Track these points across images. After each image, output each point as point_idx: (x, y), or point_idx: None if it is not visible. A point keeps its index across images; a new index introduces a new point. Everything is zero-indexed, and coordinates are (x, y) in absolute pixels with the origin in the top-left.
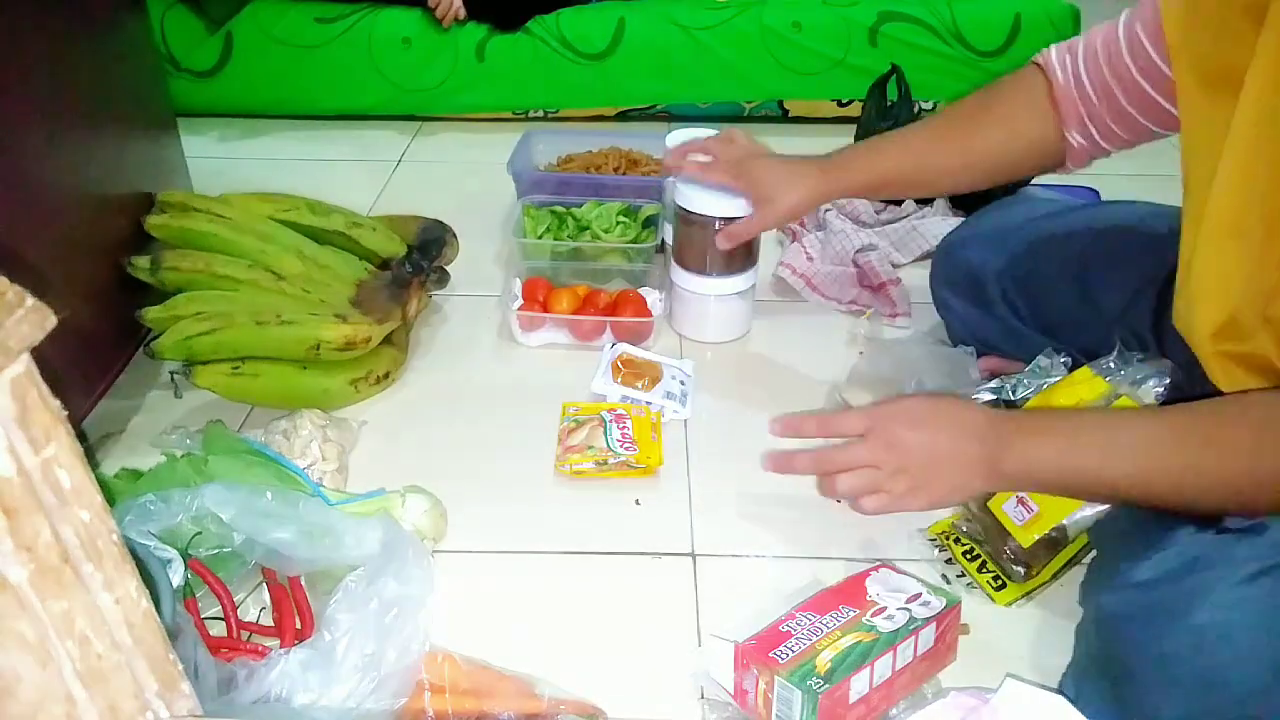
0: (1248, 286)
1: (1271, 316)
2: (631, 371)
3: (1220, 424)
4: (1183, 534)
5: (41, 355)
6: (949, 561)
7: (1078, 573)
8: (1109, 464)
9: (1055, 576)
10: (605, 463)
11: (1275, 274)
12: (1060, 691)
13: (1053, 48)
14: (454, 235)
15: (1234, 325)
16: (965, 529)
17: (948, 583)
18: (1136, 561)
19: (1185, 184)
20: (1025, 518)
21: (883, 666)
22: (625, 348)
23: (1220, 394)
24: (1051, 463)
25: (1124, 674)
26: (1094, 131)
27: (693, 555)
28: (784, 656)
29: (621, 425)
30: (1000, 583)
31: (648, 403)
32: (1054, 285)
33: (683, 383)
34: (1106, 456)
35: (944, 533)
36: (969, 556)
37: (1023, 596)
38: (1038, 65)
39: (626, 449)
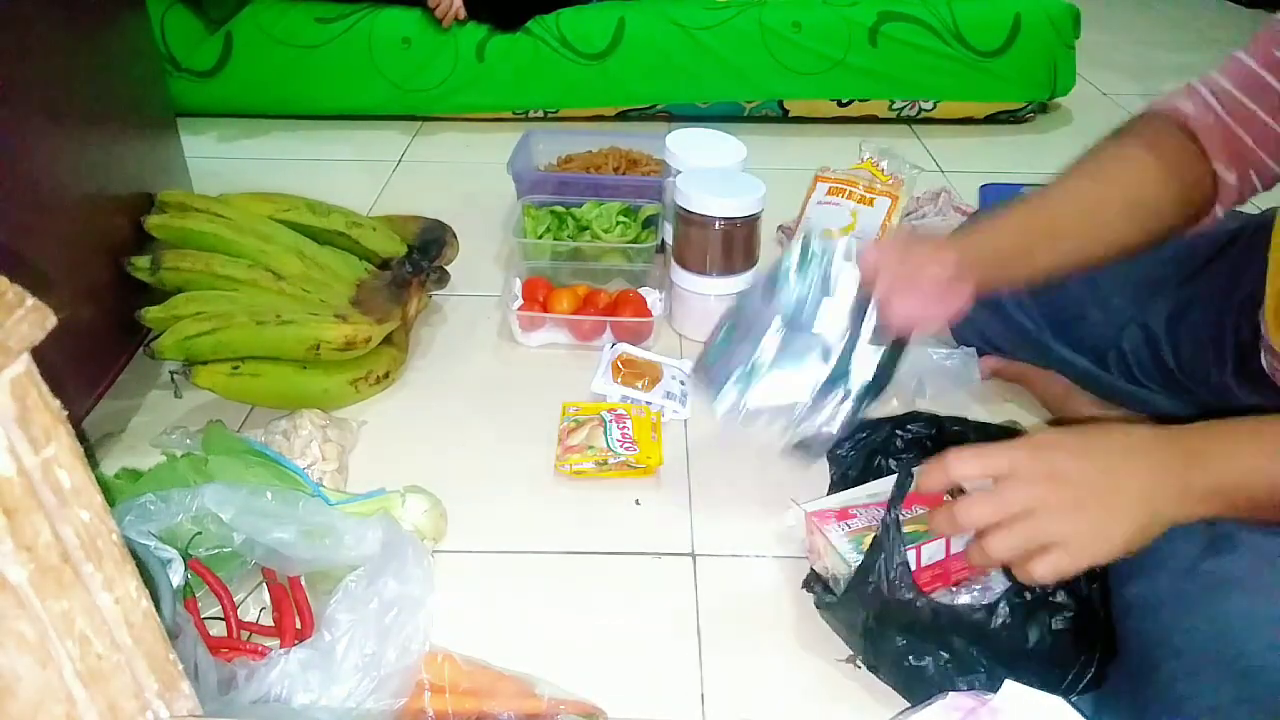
0: None
1: None
2: (632, 371)
3: None
4: (1204, 527)
5: (41, 355)
6: None
7: None
8: None
9: None
10: (605, 463)
11: None
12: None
13: (1170, 96)
14: (454, 235)
15: None
16: None
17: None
18: (1164, 549)
19: None
20: None
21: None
22: (625, 348)
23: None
24: (1255, 465)
25: (1149, 666)
26: (1251, 172)
27: (693, 555)
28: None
29: (621, 425)
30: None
31: (648, 403)
32: (1065, 283)
33: (683, 383)
34: None
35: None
36: None
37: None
38: (1159, 113)
39: (627, 449)
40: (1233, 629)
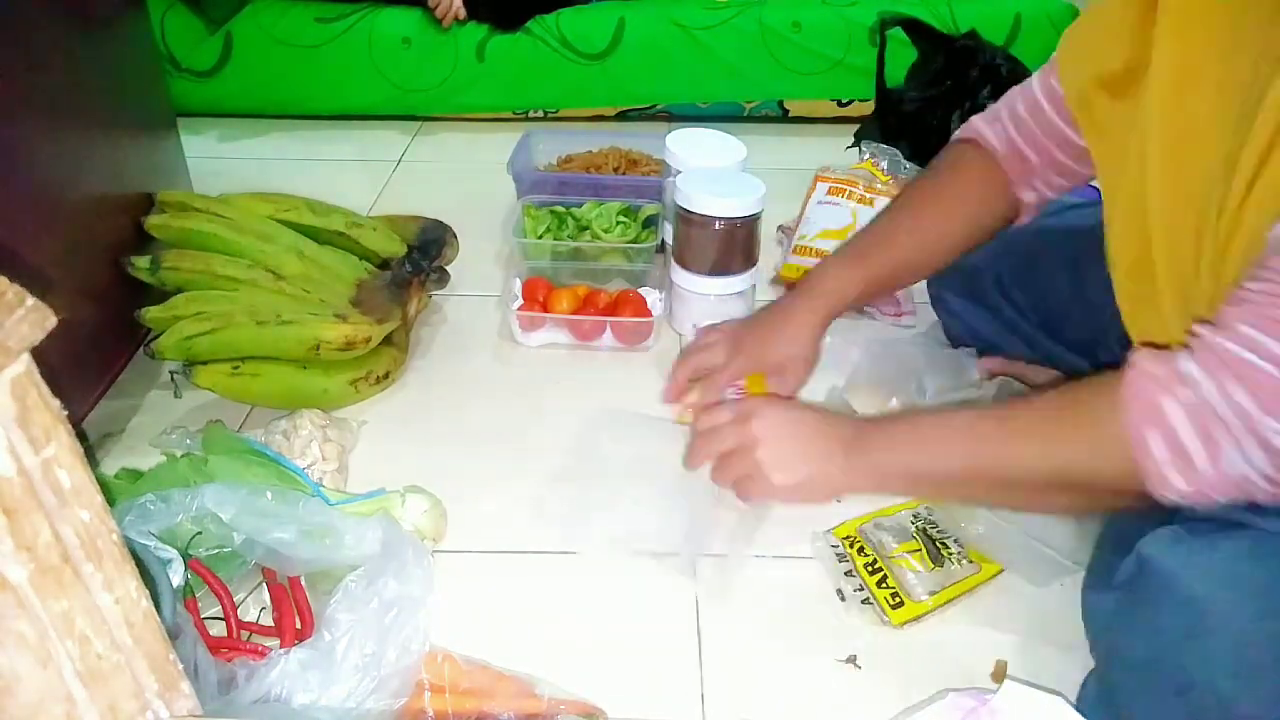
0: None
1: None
2: None
3: (1036, 412)
4: (1151, 534)
5: (41, 355)
6: (849, 573)
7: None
8: (945, 450)
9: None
10: None
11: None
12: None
13: (976, 121)
14: (454, 235)
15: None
16: (927, 516)
17: (842, 599)
18: (1111, 562)
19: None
20: None
21: None
22: (707, 325)
23: None
24: (901, 451)
25: (1108, 676)
26: (1042, 185)
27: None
28: None
29: (738, 391)
30: (898, 601)
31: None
32: (1051, 280)
33: None
34: (948, 439)
35: (848, 537)
36: (870, 569)
37: (915, 619)
38: (970, 140)
39: None
40: (1171, 640)
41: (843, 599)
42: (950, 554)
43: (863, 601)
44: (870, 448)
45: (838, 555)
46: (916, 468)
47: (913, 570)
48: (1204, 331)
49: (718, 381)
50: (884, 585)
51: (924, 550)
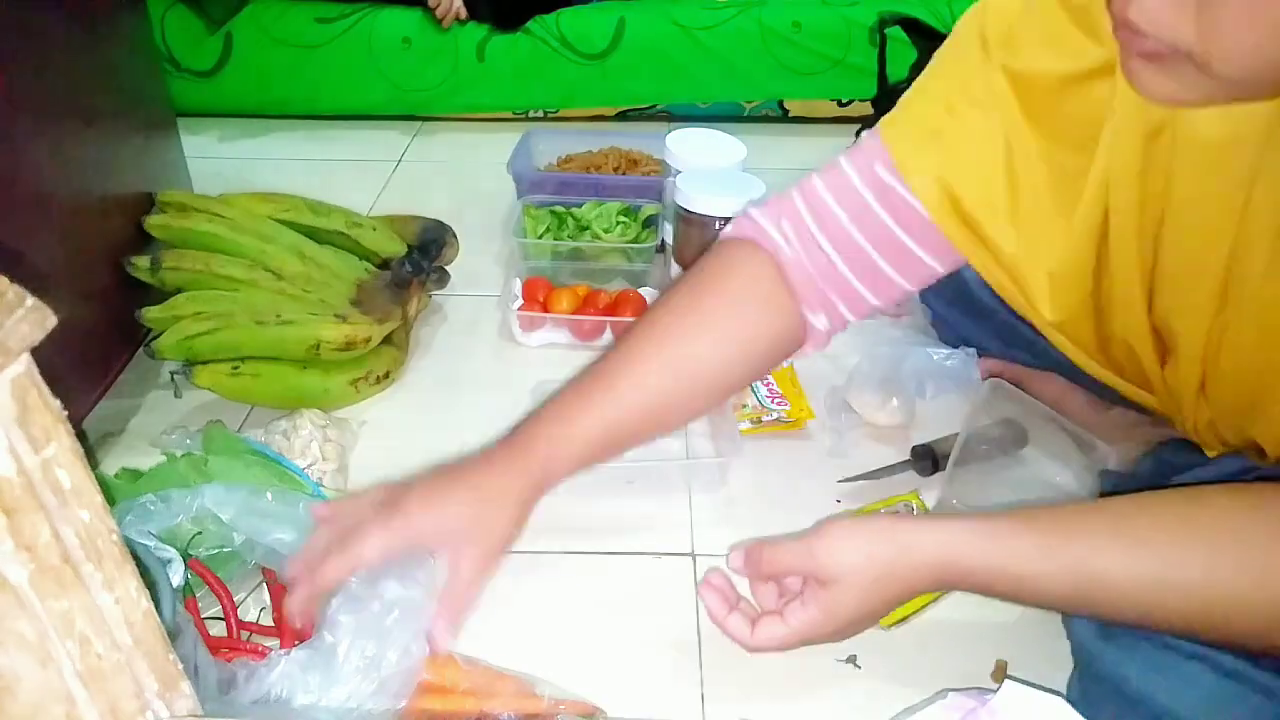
0: None
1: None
2: None
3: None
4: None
5: (41, 355)
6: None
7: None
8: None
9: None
10: (760, 420)
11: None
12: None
13: (755, 215)
14: (454, 235)
15: None
16: None
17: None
18: None
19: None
20: None
21: None
22: None
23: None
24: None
25: (1092, 700)
26: (842, 308)
27: (693, 555)
28: None
29: (765, 381)
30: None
31: None
32: None
33: None
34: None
35: None
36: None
37: (902, 620)
38: (747, 240)
39: (777, 404)
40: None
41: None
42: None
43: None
44: (952, 587)
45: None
46: (1001, 598)
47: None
48: None
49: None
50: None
51: None
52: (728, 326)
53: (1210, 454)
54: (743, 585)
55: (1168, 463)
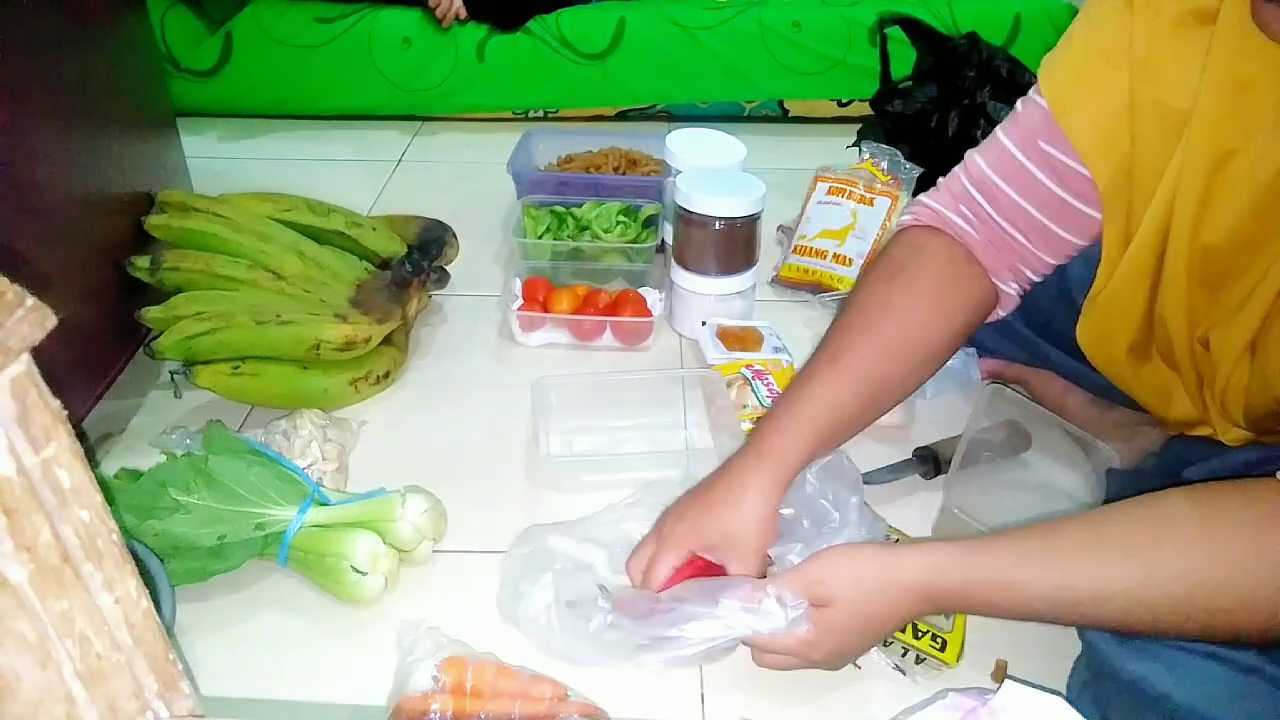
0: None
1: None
2: (734, 337)
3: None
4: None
5: (41, 355)
6: (886, 643)
7: None
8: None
9: None
10: (760, 420)
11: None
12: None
13: (929, 204)
14: (454, 235)
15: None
16: None
17: (903, 673)
18: None
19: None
20: None
21: None
22: (717, 321)
23: None
24: (976, 608)
25: (1108, 701)
26: (1027, 272)
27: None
28: None
29: (765, 381)
30: (940, 641)
31: (765, 359)
32: (1039, 287)
33: (777, 335)
34: (1020, 605)
35: None
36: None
37: (961, 645)
38: (928, 228)
39: None
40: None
41: (904, 673)
42: None
43: (917, 661)
44: (943, 606)
45: None
46: (992, 613)
47: None
48: None
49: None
50: (918, 635)
51: None
52: (929, 305)
53: (1222, 436)
54: None
55: (1176, 458)
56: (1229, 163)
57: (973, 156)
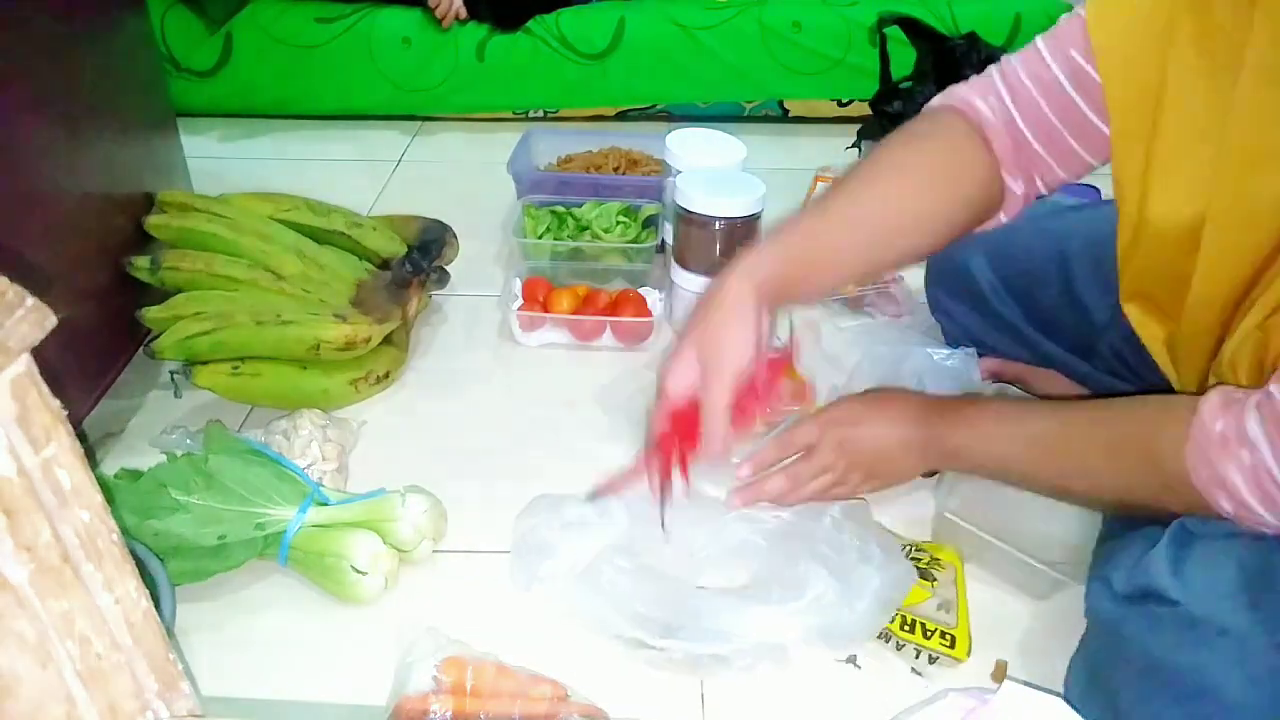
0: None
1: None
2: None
3: (1100, 437)
4: (1150, 558)
5: (41, 355)
6: (900, 647)
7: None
8: (1018, 456)
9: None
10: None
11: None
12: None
13: (961, 89)
14: (454, 235)
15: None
16: None
17: (920, 675)
18: (1124, 563)
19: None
20: None
21: None
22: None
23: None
24: (975, 450)
25: (1121, 683)
26: (1037, 179)
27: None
28: None
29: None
30: (949, 638)
31: None
32: (1043, 286)
33: (777, 336)
34: (1015, 448)
35: None
36: (905, 627)
37: (968, 640)
38: (954, 110)
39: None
40: (1190, 643)
41: (921, 675)
42: (925, 563)
43: (930, 661)
44: (943, 454)
45: (881, 639)
46: (983, 470)
47: (924, 599)
48: (1276, 391)
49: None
50: (928, 634)
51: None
52: (936, 171)
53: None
54: None
55: None
56: None
57: (1007, 57)
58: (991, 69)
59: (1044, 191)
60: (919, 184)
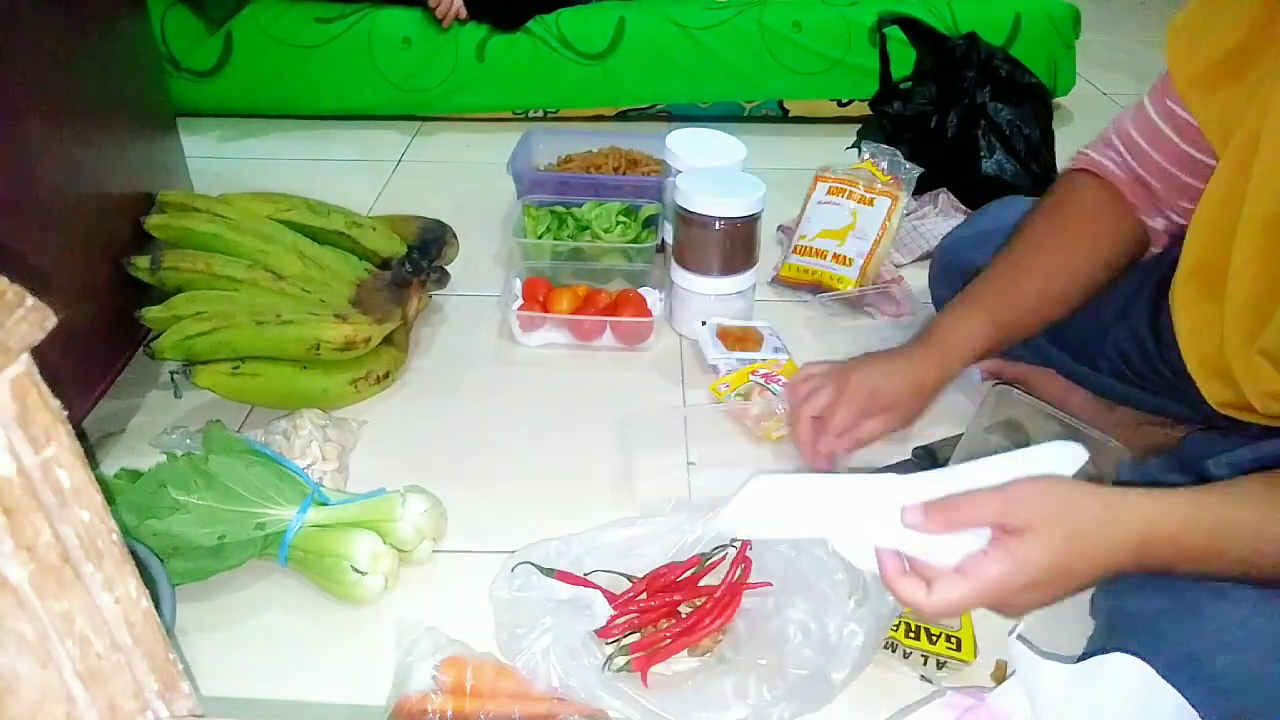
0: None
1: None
2: (733, 337)
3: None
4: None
5: (41, 355)
6: (906, 655)
7: None
8: (1232, 564)
9: None
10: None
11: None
12: None
13: (1089, 151)
14: (454, 235)
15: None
16: None
17: (929, 681)
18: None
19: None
20: None
21: None
22: (717, 321)
23: None
24: (1186, 568)
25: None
26: (1170, 212)
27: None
28: None
29: (775, 381)
30: (955, 641)
31: (765, 359)
32: None
33: (776, 335)
34: (1232, 560)
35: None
36: (911, 634)
37: (973, 640)
38: (1087, 172)
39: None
40: (1216, 640)
41: (931, 681)
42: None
43: (939, 666)
44: (1152, 567)
45: (888, 648)
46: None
47: None
48: None
49: (836, 431)
50: (933, 639)
51: None
52: (1088, 230)
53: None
54: None
55: (1195, 452)
56: None
57: (1122, 113)
58: (1109, 131)
59: (1183, 221)
60: (1080, 244)
